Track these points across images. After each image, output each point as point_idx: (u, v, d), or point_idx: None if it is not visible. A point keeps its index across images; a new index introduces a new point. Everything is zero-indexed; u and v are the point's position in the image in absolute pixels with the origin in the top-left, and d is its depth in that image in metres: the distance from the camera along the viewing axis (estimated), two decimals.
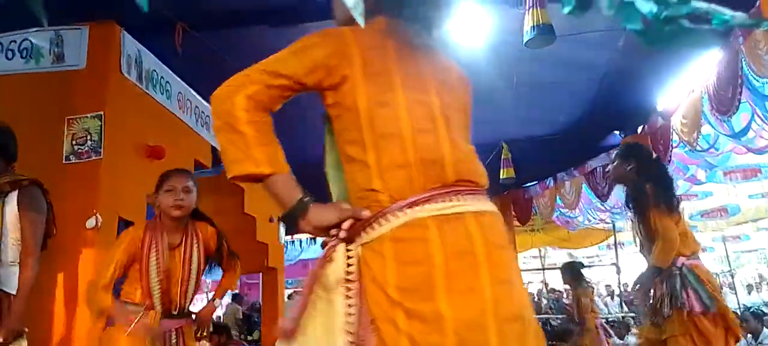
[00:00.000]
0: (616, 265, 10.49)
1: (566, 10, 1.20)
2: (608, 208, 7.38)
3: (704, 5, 1.04)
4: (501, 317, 1.13)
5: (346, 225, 1.21)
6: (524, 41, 3.40)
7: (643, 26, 1.16)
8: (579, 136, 6.21)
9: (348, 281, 1.18)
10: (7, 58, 3.25)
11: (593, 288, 6.14)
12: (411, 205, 1.18)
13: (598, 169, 6.82)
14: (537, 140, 6.27)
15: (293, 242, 11.35)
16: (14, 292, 2.39)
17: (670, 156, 5.40)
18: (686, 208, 10.29)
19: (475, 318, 1.11)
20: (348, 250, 1.21)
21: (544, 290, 13.21)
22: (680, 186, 7.52)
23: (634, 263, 14.72)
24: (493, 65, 4.53)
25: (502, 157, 6.19)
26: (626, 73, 4.79)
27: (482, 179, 1.31)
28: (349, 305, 1.17)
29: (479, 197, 1.26)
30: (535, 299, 10.85)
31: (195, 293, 2.74)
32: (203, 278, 2.82)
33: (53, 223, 2.64)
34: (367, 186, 1.23)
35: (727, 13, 1.05)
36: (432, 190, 1.20)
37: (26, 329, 2.36)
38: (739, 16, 1.05)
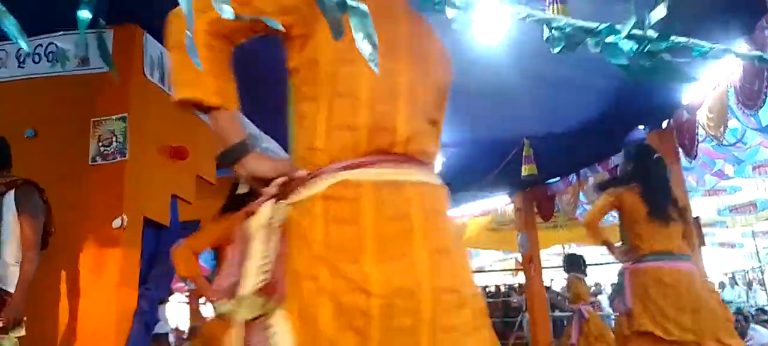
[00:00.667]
0: None
1: (556, 50, 1.27)
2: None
3: (683, 40, 1.06)
4: (436, 286, 1.08)
5: (278, 181, 1.16)
6: (545, 38, 3.36)
7: (628, 62, 1.22)
8: (602, 132, 6.11)
9: (269, 226, 1.14)
10: (34, 61, 3.34)
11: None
12: (348, 167, 1.13)
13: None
14: (559, 136, 6.19)
15: None
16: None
17: (696, 151, 5.30)
18: (714, 203, 10.13)
19: (406, 285, 1.06)
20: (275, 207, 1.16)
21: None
22: (707, 181, 7.41)
23: None
24: (514, 62, 4.50)
25: (524, 153, 6.13)
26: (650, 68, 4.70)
27: (432, 158, 1.28)
28: (267, 248, 1.12)
29: (425, 170, 1.22)
30: (558, 297, 10.75)
31: None
32: None
33: (52, 221, 2.73)
34: (310, 144, 1.18)
35: (706, 45, 1.07)
36: (375, 155, 1.15)
37: (24, 319, 2.45)
38: (731, 49, 1.06)
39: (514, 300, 9.28)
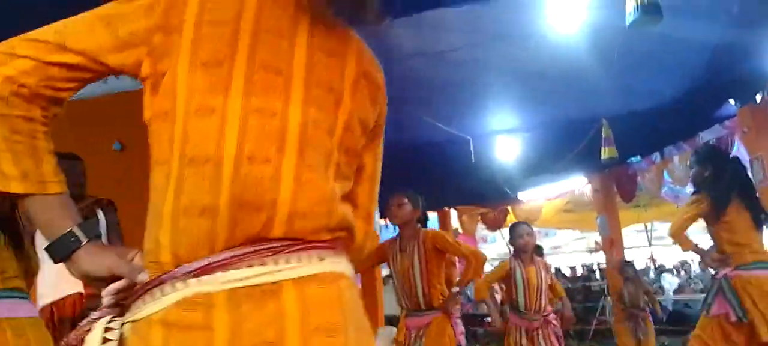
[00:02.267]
0: None
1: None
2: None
3: None
4: None
5: (112, 287, 0.87)
6: (627, 23, 3.16)
7: None
8: (688, 108, 5.75)
9: None
10: (116, 77, 3.47)
11: None
12: (200, 271, 0.80)
13: (711, 143, 6.32)
14: (640, 114, 5.88)
15: (387, 226, 11.48)
16: None
17: None
18: None
19: None
20: (108, 328, 0.84)
21: (652, 266, 12.56)
22: None
23: None
24: (590, 43, 4.29)
25: (604, 135, 5.86)
26: (741, 40, 4.36)
27: (345, 232, 0.94)
28: None
29: (316, 256, 0.87)
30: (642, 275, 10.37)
31: (431, 291, 3.28)
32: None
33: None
34: (155, 235, 0.84)
35: None
36: (241, 247, 0.82)
37: None
38: None
39: (595, 284, 8.98)
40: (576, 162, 6.82)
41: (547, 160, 7.02)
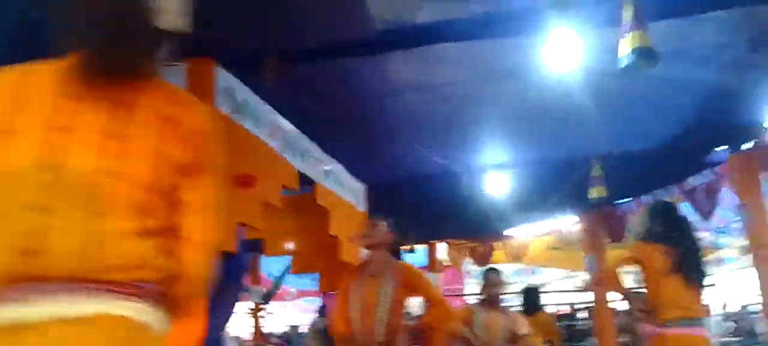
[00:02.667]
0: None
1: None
2: (711, 227, 6.90)
3: None
4: None
5: None
6: (622, 65, 3.18)
7: None
8: (678, 152, 5.81)
9: None
10: None
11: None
12: None
13: (699, 187, 6.37)
14: (632, 157, 5.92)
15: None
16: None
17: None
18: None
19: None
20: None
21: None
22: None
23: (736, 281, 13.74)
24: (585, 83, 4.33)
25: (593, 174, 5.89)
26: (733, 88, 4.43)
27: (122, 272, 0.96)
28: None
29: (72, 295, 0.88)
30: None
31: (392, 326, 3.01)
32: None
33: None
34: None
35: None
36: (9, 286, 0.84)
37: None
38: None
39: (580, 323, 8.94)
40: (565, 200, 6.84)
41: (536, 198, 7.03)
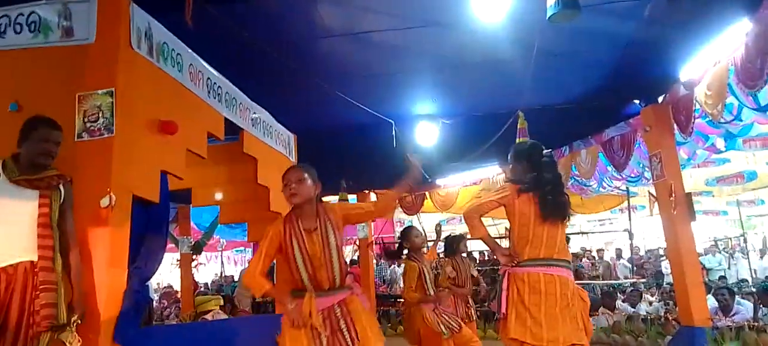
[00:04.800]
0: (629, 230, 10.48)
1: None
2: (625, 176, 7.29)
3: None
4: None
5: None
6: (548, 16, 3.26)
7: None
8: (597, 104, 6.07)
9: None
10: (15, 32, 3.18)
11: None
12: None
13: (616, 139, 6.70)
14: (553, 109, 6.14)
15: None
16: None
17: (693, 128, 5.27)
18: (702, 174, 10.19)
19: None
20: None
21: None
22: (698, 155, 7.40)
23: (646, 228, 14.72)
24: (511, 36, 4.41)
25: (519, 126, 6.07)
26: (650, 42, 4.63)
27: None
28: None
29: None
30: None
31: (343, 268, 3.01)
32: None
33: None
34: None
35: None
36: None
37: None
38: None
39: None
40: (492, 151, 7.02)
41: (465, 148, 7.18)
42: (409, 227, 5.47)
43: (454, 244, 5.92)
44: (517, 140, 5.70)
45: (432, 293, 4.91)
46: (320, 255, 2.90)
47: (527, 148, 3.50)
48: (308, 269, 2.91)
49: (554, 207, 3.20)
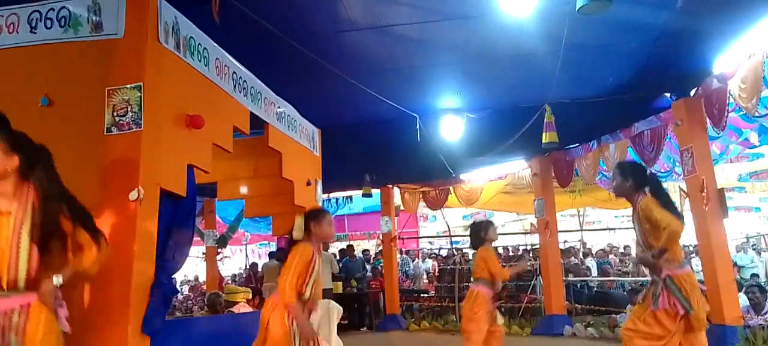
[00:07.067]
0: None
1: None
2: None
3: None
4: None
5: None
6: (577, 8, 3.19)
7: None
8: (626, 98, 5.93)
9: None
10: (46, 27, 3.22)
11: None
12: None
13: (645, 133, 6.56)
14: (581, 102, 6.02)
15: (329, 200, 11.43)
16: None
17: (726, 122, 5.13)
18: (735, 169, 9.96)
19: None
20: None
21: (581, 249, 13.04)
22: (731, 150, 7.22)
23: None
24: (539, 28, 4.33)
25: (545, 120, 5.96)
26: (683, 34, 4.51)
27: None
28: None
29: None
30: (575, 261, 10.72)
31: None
32: None
33: None
34: None
35: None
36: None
37: None
38: None
39: (528, 264, 9.23)
40: (518, 145, 6.94)
41: (490, 142, 7.11)
42: (490, 220, 5.30)
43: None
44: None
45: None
46: (318, 277, 3.46)
47: (629, 166, 3.71)
48: (314, 285, 3.42)
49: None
